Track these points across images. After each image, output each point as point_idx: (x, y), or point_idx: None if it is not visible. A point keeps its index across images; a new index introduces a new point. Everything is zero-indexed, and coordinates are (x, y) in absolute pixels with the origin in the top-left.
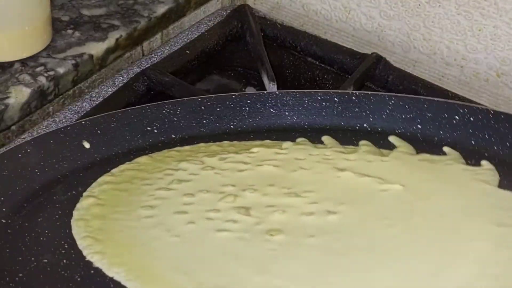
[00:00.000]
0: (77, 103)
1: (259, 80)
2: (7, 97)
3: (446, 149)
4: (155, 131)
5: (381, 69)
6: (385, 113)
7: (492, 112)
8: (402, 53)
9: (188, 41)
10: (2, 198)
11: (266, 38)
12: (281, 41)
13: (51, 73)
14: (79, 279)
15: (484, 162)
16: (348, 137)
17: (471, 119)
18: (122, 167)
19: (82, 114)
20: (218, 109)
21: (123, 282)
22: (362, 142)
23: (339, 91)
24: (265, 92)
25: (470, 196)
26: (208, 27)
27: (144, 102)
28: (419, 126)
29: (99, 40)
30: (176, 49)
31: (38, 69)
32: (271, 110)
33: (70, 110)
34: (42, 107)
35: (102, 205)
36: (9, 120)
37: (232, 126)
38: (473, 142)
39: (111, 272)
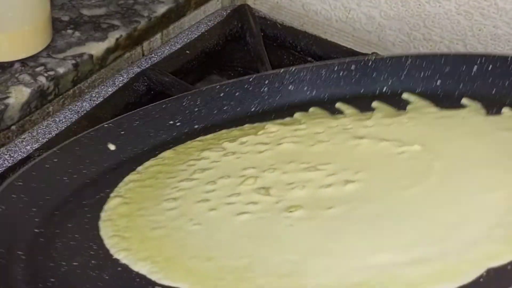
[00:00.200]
0: (77, 103)
1: None
2: (7, 97)
3: (465, 100)
4: (178, 124)
5: None
6: (403, 74)
7: (510, 58)
8: None
9: (188, 41)
10: (34, 209)
11: (266, 38)
12: (281, 41)
13: (51, 73)
14: (107, 277)
15: (505, 110)
16: (367, 103)
17: (489, 68)
18: (147, 163)
19: (82, 114)
20: (237, 93)
21: (148, 275)
22: (377, 104)
23: (355, 58)
24: (281, 70)
25: (492, 146)
26: (208, 27)
27: (144, 102)
28: (438, 83)
29: (99, 40)
30: (176, 49)
31: (38, 69)
32: (290, 87)
33: (70, 110)
34: (42, 107)
35: (128, 203)
36: (9, 120)
37: (252, 109)
38: (493, 92)
39: (137, 266)
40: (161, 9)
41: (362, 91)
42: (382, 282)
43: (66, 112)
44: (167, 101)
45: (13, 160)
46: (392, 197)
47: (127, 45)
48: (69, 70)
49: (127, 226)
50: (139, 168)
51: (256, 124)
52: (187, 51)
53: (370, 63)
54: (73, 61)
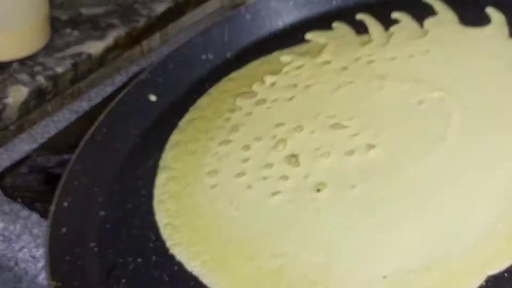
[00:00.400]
0: (76, 103)
1: None
2: (6, 97)
3: (490, 11)
4: (210, 57)
5: None
6: None
7: None
8: None
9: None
10: (96, 189)
11: None
12: None
13: (50, 72)
14: (167, 278)
15: None
16: (386, 14)
17: None
18: (187, 116)
19: (81, 113)
20: (262, 13)
21: (200, 278)
22: (398, 15)
23: None
24: None
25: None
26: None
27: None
28: None
29: (98, 39)
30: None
31: (36, 68)
32: None
33: (69, 110)
34: (41, 106)
35: (175, 178)
36: (7, 119)
37: (280, 26)
38: None
39: (190, 266)
40: (160, 8)
41: None
42: None
43: (65, 112)
44: (194, 36)
45: (11, 160)
46: (404, 174)
47: (126, 44)
48: (67, 70)
49: (176, 209)
50: (181, 124)
51: (284, 51)
52: None
53: None
54: (72, 61)
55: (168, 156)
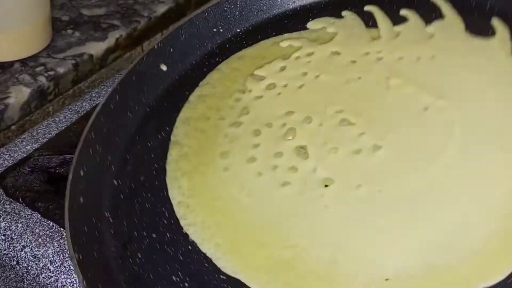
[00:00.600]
0: (77, 103)
1: None
2: (7, 97)
3: (495, 22)
4: (221, 30)
5: None
6: None
7: None
8: None
9: None
10: (109, 157)
11: None
12: None
13: (51, 73)
14: (181, 257)
15: None
16: (394, 9)
17: None
18: (197, 92)
19: (82, 114)
20: None
21: (213, 260)
22: (406, 12)
23: None
24: None
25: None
26: None
27: None
28: None
29: (99, 40)
30: None
31: (38, 69)
32: None
33: (70, 110)
34: (42, 107)
35: (187, 156)
36: (9, 120)
37: (291, 6)
38: None
39: (204, 248)
40: (161, 9)
41: None
42: None
43: (66, 112)
44: (208, 9)
45: (13, 160)
46: (407, 181)
47: (127, 45)
48: (69, 70)
49: (189, 189)
50: (191, 98)
51: (294, 34)
52: None
53: None
54: (73, 61)
55: (179, 132)
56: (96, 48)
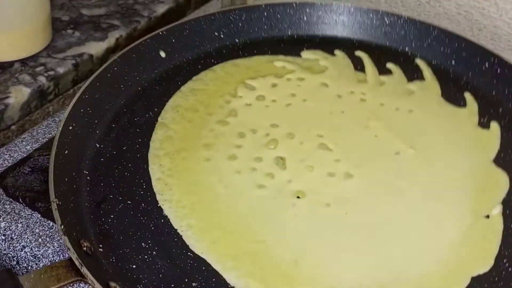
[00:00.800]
0: None
1: None
2: (7, 97)
3: (467, 96)
4: (222, 36)
5: None
6: (427, 42)
7: None
8: None
9: None
10: (96, 121)
11: None
12: None
13: (51, 73)
14: (153, 228)
15: (493, 124)
16: (386, 59)
17: (498, 70)
18: (189, 84)
19: None
20: (278, 16)
21: (183, 237)
22: (392, 66)
23: (390, 11)
24: (333, 3)
25: (470, 169)
26: None
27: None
28: (452, 63)
29: (99, 40)
30: None
31: (38, 69)
32: (326, 20)
33: None
34: (42, 106)
35: (172, 138)
36: (9, 119)
37: (289, 33)
38: (493, 93)
39: (176, 224)
40: (161, 9)
41: (387, 43)
42: None
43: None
44: (216, 13)
45: (13, 160)
46: (370, 211)
47: (127, 45)
48: (69, 70)
49: (170, 168)
50: (183, 89)
51: (288, 58)
52: None
53: (402, 20)
54: (73, 61)
55: (168, 116)
56: (96, 48)
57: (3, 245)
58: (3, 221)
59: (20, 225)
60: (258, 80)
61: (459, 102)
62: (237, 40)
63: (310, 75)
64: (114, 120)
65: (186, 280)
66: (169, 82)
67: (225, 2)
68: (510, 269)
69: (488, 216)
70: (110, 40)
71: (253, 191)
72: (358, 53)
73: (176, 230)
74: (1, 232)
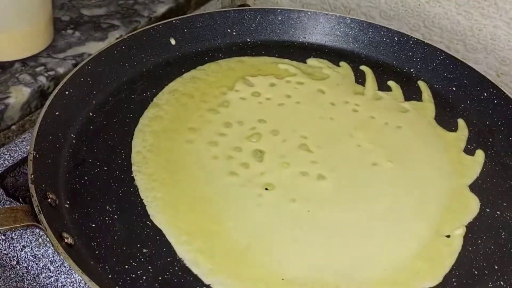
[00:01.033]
0: None
1: None
2: (7, 97)
3: (460, 122)
4: (234, 33)
5: None
6: (432, 66)
7: None
8: None
9: None
10: (94, 92)
11: None
12: None
13: (51, 73)
14: (121, 194)
15: (478, 153)
16: (388, 76)
17: (495, 101)
18: (192, 73)
19: None
20: (292, 22)
21: (146, 207)
22: (393, 84)
23: (400, 31)
24: (347, 16)
25: (445, 192)
26: None
27: None
28: (453, 88)
29: (99, 40)
30: None
31: (38, 69)
32: (338, 32)
33: None
34: (42, 107)
35: (161, 118)
36: (9, 119)
37: (300, 39)
38: (487, 123)
39: (143, 195)
40: (161, 9)
41: (393, 62)
42: None
43: None
44: (232, 10)
45: (13, 160)
46: (336, 212)
47: None
48: (69, 70)
49: (152, 144)
50: (184, 76)
51: (293, 62)
52: None
53: (411, 41)
54: (73, 61)
55: (163, 97)
56: (96, 48)
57: (3, 245)
58: None
59: None
60: (258, 78)
61: (451, 127)
62: (248, 40)
63: (310, 81)
64: (112, 95)
65: (138, 245)
66: (173, 68)
67: (225, 2)
68: None
69: (449, 236)
70: (110, 40)
71: (225, 177)
72: (363, 67)
73: (142, 200)
74: (1, 232)
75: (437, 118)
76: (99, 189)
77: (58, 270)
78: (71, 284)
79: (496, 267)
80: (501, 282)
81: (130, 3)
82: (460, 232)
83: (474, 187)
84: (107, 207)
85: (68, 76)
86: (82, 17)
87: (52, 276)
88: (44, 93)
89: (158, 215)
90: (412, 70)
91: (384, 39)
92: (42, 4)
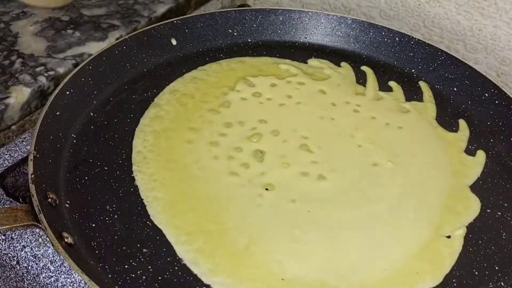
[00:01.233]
0: None
1: None
2: (7, 97)
3: (461, 122)
4: (235, 34)
5: None
6: (433, 66)
7: None
8: None
9: None
10: (95, 92)
11: None
12: None
13: (51, 73)
14: (121, 194)
15: (479, 153)
16: (389, 77)
17: (497, 102)
18: (193, 73)
19: None
20: (293, 22)
21: (147, 207)
22: (394, 85)
23: (401, 31)
24: (348, 16)
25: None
26: None
27: None
28: (454, 89)
29: (99, 40)
30: None
31: (38, 69)
32: (339, 32)
33: None
34: (42, 107)
35: (162, 118)
36: (9, 119)
37: (301, 40)
38: (488, 123)
39: (143, 194)
40: (161, 9)
41: (394, 62)
42: None
43: None
44: (233, 11)
45: (13, 160)
46: (335, 213)
47: None
48: (69, 70)
49: (152, 144)
50: (185, 76)
51: (294, 63)
52: None
53: (412, 42)
54: (73, 61)
55: (164, 97)
56: (96, 48)
57: (3, 245)
58: None
59: None
60: (259, 78)
61: (452, 127)
62: (249, 40)
63: (311, 81)
64: (113, 95)
65: (138, 245)
66: (174, 68)
67: (225, 2)
68: None
69: (449, 236)
70: (110, 40)
71: (225, 177)
72: (364, 67)
73: (142, 200)
74: (1, 232)
75: (438, 119)
76: (99, 189)
77: (58, 270)
78: (71, 284)
79: (496, 268)
80: (502, 283)
81: (130, 3)
82: (460, 232)
83: (475, 188)
84: (107, 207)
85: (69, 76)
86: (82, 17)
87: (52, 276)
88: (44, 93)
89: (158, 215)
90: (413, 70)
91: (385, 40)
92: None
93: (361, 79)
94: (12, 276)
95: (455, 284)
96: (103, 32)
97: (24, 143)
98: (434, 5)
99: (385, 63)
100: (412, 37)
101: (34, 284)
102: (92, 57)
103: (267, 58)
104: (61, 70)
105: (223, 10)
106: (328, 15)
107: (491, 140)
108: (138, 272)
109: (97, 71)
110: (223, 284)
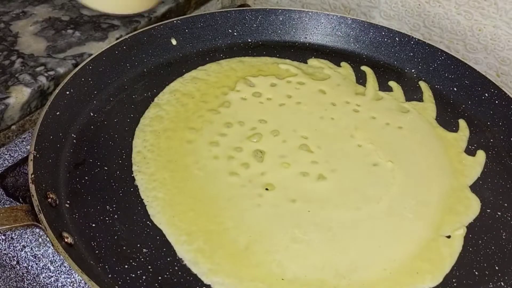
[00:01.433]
0: None
1: None
2: (7, 97)
3: (461, 122)
4: (235, 34)
5: None
6: (433, 66)
7: None
8: None
9: None
10: (95, 92)
11: None
12: None
13: (51, 72)
14: (121, 194)
15: (479, 153)
16: (389, 77)
17: (497, 101)
18: (193, 73)
19: None
20: (293, 22)
21: (147, 207)
22: (394, 84)
23: (401, 31)
24: (348, 16)
25: (445, 189)
26: None
27: None
28: (454, 89)
29: (99, 40)
30: None
31: (38, 68)
32: (339, 32)
33: None
34: (42, 107)
35: (162, 118)
36: (9, 119)
37: (301, 40)
38: (488, 123)
39: (143, 194)
40: (161, 9)
41: (394, 62)
42: None
43: None
44: (232, 11)
45: (13, 160)
46: (335, 212)
47: None
48: (69, 70)
49: (152, 144)
50: (186, 75)
51: (294, 63)
52: None
53: (412, 41)
54: (73, 61)
55: (164, 97)
56: (96, 48)
57: (3, 245)
58: None
59: None
60: (259, 78)
61: (452, 127)
62: (249, 40)
63: (311, 81)
64: (113, 95)
65: (138, 245)
66: (174, 68)
67: (225, 2)
68: None
69: (449, 236)
70: (110, 40)
71: (225, 177)
72: (364, 67)
73: (142, 200)
74: (1, 232)
75: (438, 119)
76: (99, 189)
77: (58, 270)
78: (71, 284)
79: (496, 268)
80: (502, 283)
81: None
82: (460, 232)
83: (475, 188)
84: (107, 207)
85: (69, 76)
86: (82, 17)
87: (52, 276)
88: (44, 93)
89: (158, 215)
90: (413, 70)
91: (385, 40)
92: None
93: (361, 79)
94: (12, 276)
95: (455, 284)
96: (103, 32)
97: (24, 143)
98: (434, 5)
99: (385, 63)
100: (412, 37)
101: (34, 284)
102: (92, 57)
103: (267, 58)
104: (61, 70)
105: (223, 10)
106: (328, 15)
107: (491, 140)
108: (138, 272)
109: (97, 71)
110: (223, 284)
